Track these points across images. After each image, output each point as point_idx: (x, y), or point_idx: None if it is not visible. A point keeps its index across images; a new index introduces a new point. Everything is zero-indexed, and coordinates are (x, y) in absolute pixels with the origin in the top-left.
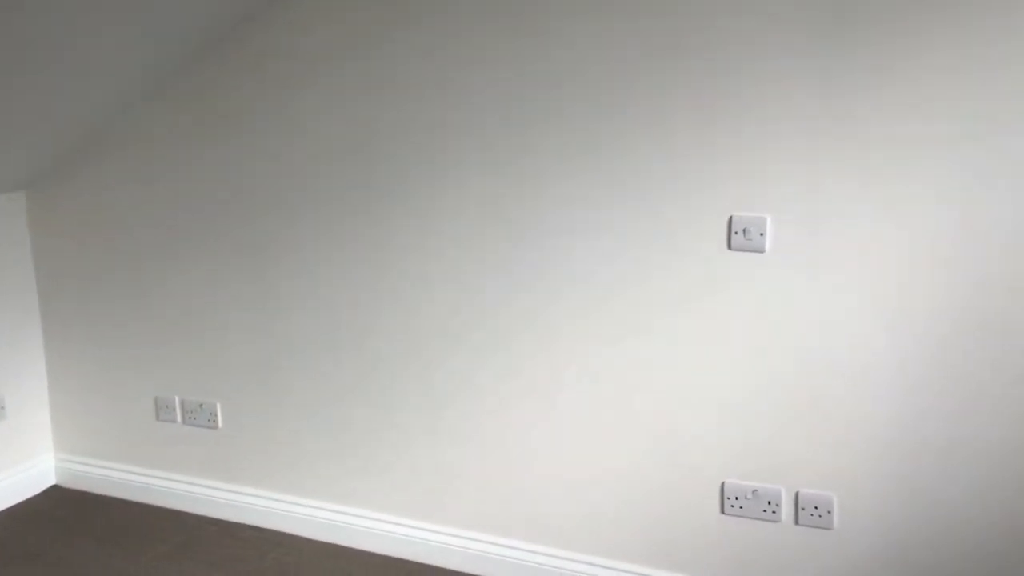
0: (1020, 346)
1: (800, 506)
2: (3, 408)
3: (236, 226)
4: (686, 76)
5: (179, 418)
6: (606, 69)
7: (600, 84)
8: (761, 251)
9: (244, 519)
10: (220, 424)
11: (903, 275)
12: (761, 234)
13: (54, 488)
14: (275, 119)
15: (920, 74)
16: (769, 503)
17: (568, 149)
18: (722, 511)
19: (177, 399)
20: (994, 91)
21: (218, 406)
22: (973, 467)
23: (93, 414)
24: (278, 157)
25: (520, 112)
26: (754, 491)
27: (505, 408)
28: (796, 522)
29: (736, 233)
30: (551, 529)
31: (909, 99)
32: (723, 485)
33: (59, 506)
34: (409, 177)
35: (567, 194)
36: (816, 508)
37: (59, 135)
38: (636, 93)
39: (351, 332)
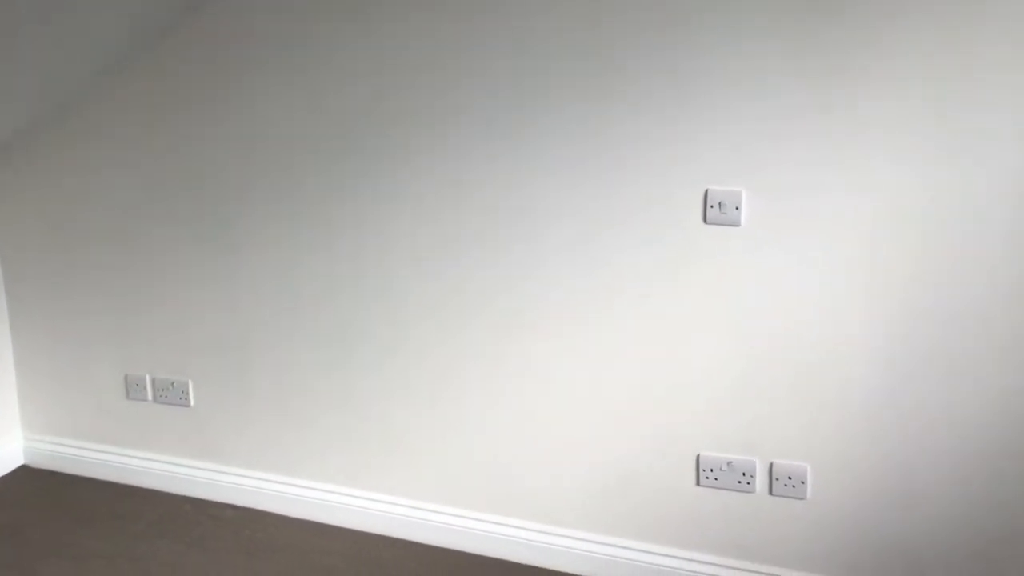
0: (993, 319)
1: (774, 477)
2: None
3: (205, 203)
4: (662, 51)
5: (150, 396)
6: (581, 45)
7: (575, 60)
8: (736, 225)
9: (219, 497)
10: (192, 402)
11: (878, 249)
12: (737, 208)
13: (22, 468)
14: (243, 95)
15: (895, 51)
16: (744, 474)
17: (543, 124)
18: (697, 483)
19: (148, 377)
20: (966, 67)
21: (190, 384)
22: (945, 438)
23: (61, 393)
24: (247, 133)
25: (492, 89)
26: (729, 463)
27: (481, 384)
28: (770, 492)
29: (711, 207)
30: (529, 503)
31: (884, 75)
32: (698, 457)
33: (29, 486)
34: (377, 155)
35: (542, 168)
36: (790, 478)
37: (20, 110)
38: (611, 68)
39: (322, 309)
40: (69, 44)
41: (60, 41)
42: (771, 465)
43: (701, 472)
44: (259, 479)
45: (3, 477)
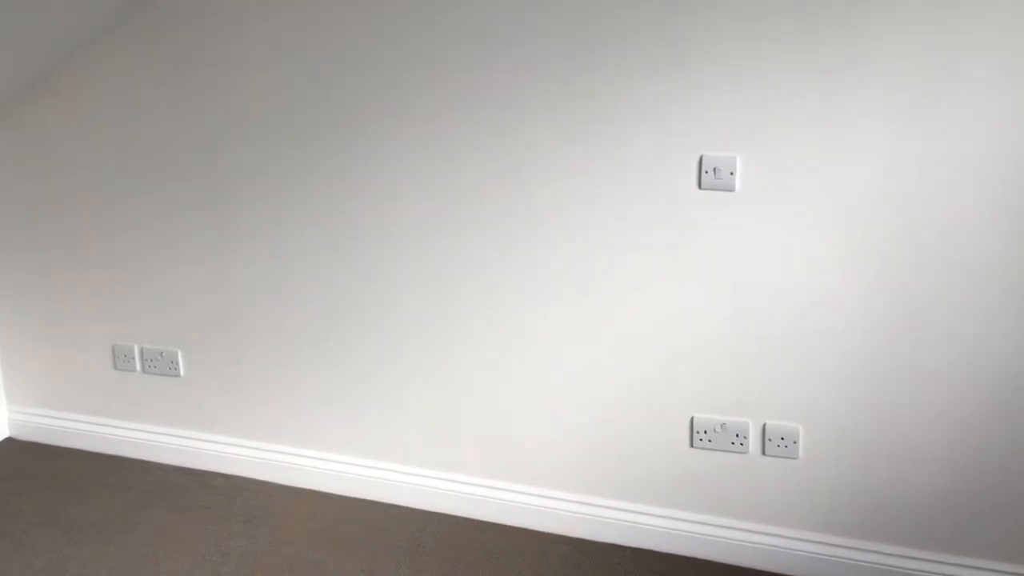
0: (981, 280)
1: (767, 437)
2: None
3: (193, 170)
4: (656, 13)
5: (138, 367)
6: (574, 4)
7: (568, 20)
8: (731, 190)
9: (210, 466)
10: (182, 372)
11: (869, 213)
12: (731, 173)
13: (8, 441)
14: (230, 58)
15: (892, 12)
16: (737, 436)
17: (537, 88)
18: (691, 445)
19: (136, 347)
20: (959, 26)
21: (179, 354)
22: (934, 399)
23: (47, 364)
24: (234, 98)
25: (487, 48)
26: (722, 424)
27: (476, 350)
28: (763, 453)
29: (706, 172)
30: (522, 467)
31: (878, 39)
32: (692, 420)
33: (16, 458)
34: (370, 118)
35: (536, 135)
36: (782, 439)
37: (2, 76)
38: (607, 31)
39: (311, 276)
40: (49, 13)
41: (40, 10)
42: (764, 426)
43: (695, 434)
44: (250, 448)
45: None
